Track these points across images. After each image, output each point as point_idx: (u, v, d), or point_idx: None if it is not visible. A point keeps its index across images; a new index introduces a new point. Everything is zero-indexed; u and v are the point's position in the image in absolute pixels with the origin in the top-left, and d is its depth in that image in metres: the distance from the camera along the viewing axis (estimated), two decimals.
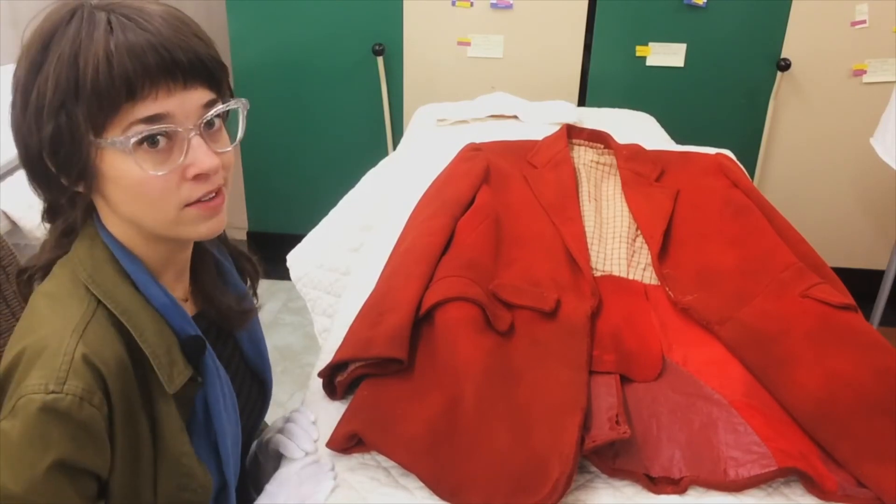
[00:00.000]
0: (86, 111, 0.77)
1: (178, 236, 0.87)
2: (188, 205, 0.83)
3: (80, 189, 0.84)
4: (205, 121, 0.82)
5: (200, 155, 0.81)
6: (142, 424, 0.84)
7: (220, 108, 0.84)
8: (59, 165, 0.81)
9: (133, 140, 0.78)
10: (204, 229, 0.86)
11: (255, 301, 1.10)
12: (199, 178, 0.82)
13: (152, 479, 0.86)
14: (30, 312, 0.86)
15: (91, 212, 0.88)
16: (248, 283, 1.11)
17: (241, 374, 1.06)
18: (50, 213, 0.90)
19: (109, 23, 0.78)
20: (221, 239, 1.08)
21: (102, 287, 0.84)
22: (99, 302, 0.84)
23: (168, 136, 0.80)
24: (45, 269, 0.89)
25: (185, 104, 0.80)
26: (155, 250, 0.89)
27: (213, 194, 0.85)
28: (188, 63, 0.79)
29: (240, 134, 0.91)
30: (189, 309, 0.98)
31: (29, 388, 0.77)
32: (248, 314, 1.05)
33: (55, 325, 0.81)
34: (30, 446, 0.76)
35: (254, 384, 1.09)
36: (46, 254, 0.90)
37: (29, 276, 0.91)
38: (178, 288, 0.96)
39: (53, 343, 0.79)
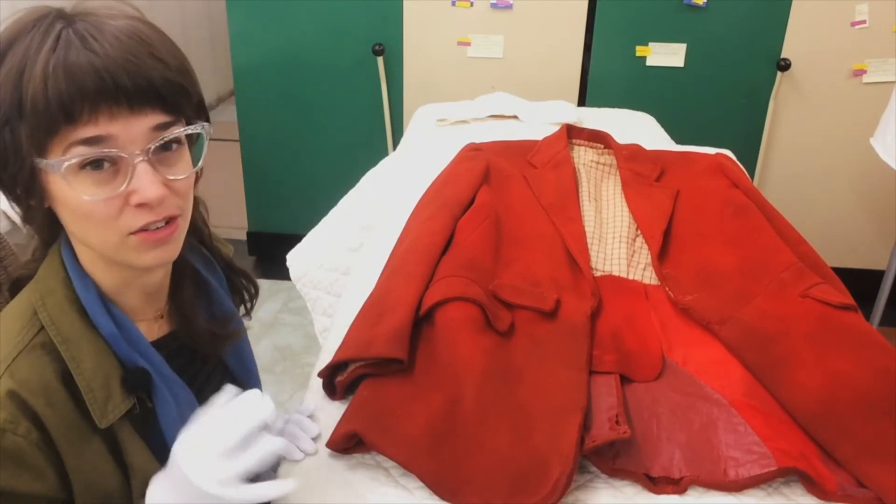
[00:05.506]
0: (28, 131, 0.74)
1: (125, 263, 0.83)
2: (132, 233, 0.80)
3: (34, 204, 0.81)
4: (154, 146, 0.78)
5: (145, 182, 0.77)
6: (94, 444, 0.83)
7: (173, 132, 0.79)
8: (9, 179, 0.79)
9: (66, 164, 0.75)
10: (149, 259, 0.82)
11: (247, 320, 1.07)
12: (142, 206, 0.78)
13: (127, 495, 0.86)
14: None
15: (53, 228, 0.86)
16: (247, 299, 1.08)
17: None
18: (24, 221, 0.88)
19: (58, 39, 0.74)
20: (214, 253, 1.04)
21: (49, 312, 0.83)
22: (42, 327, 0.82)
23: (112, 160, 0.76)
24: (29, 280, 0.88)
25: (130, 128, 0.76)
26: (112, 272, 0.86)
27: (163, 223, 0.81)
28: (133, 87, 0.75)
29: (200, 162, 0.86)
30: (163, 327, 0.96)
31: None
32: (226, 339, 1.01)
33: None
34: None
35: None
36: (33, 263, 0.89)
37: (18, 286, 0.89)
38: (149, 308, 0.93)
39: None
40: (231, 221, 3.26)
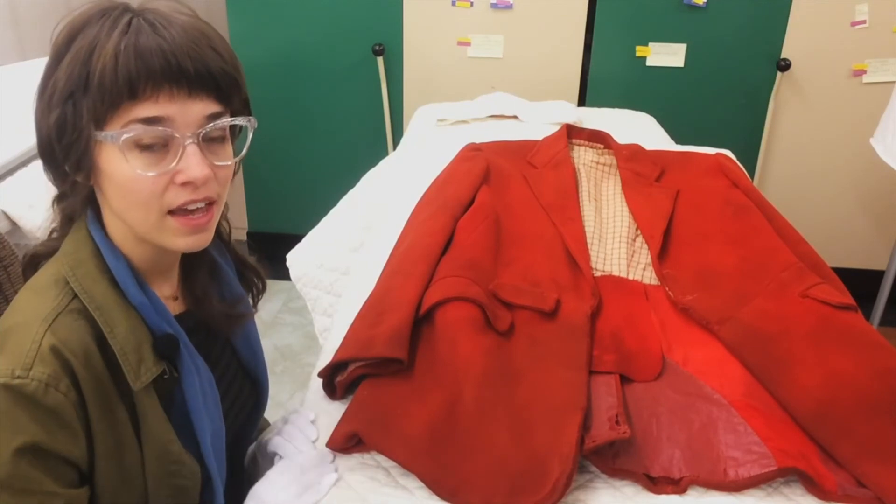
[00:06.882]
0: (90, 104, 0.79)
1: (159, 244, 0.88)
2: (171, 213, 0.85)
3: (80, 179, 0.86)
4: (205, 131, 0.84)
5: (192, 163, 0.83)
6: (119, 412, 0.85)
7: (223, 121, 0.86)
8: (62, 152, 0.83)
9: (124, 136, 0.80)
10: (183, 243, 0.87)
11: (252, 307, 1.10)
12: (186, 185, 0.83)
13: (140, 466, 0.88)
14: (11, 304, 0.88)
15: (89, 205, 0.90)
16: (255, 293, 1.12)
17: (232, 373, 1.07)
18: (59, 199, 0.92)
19: (129, 24, 0.80)
20: (225, 243, 1.09)
21: (81, 282, 0.86)
22: (75, 295, 0.85)
23: (165, 139, 0.82)
24: (49, 257, 0.91)
25: (186, 112, 0.82)
26: (141, 249, 0.90)
27: (202, 207, 0.86)
28: (194, 72, 0.81)
29: (243, 151, 0.93)
30: (177, 307, 0.99)
31: None
32: (237, 319, 1.05)
33: (27, 314, 0.83)
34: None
35: (245, 383, 1.10)
36: (52, 241, 0.93)
37: (35, 263, 0.93)
38: (166, 285, 0.97)
39: (23, 330, 0.81)
40: (231, 221, 3.26)
